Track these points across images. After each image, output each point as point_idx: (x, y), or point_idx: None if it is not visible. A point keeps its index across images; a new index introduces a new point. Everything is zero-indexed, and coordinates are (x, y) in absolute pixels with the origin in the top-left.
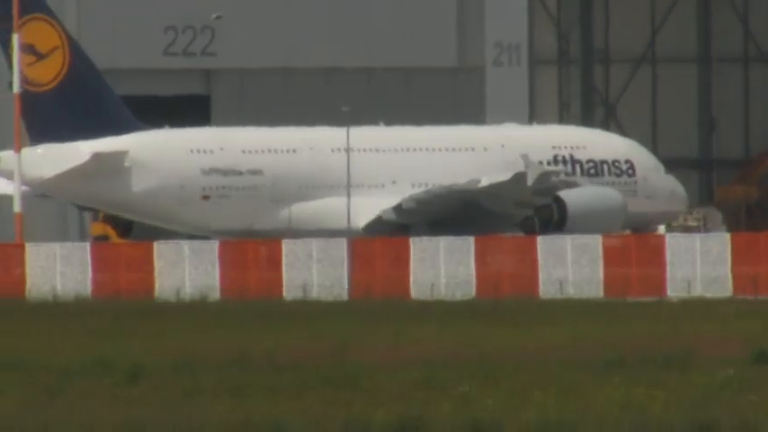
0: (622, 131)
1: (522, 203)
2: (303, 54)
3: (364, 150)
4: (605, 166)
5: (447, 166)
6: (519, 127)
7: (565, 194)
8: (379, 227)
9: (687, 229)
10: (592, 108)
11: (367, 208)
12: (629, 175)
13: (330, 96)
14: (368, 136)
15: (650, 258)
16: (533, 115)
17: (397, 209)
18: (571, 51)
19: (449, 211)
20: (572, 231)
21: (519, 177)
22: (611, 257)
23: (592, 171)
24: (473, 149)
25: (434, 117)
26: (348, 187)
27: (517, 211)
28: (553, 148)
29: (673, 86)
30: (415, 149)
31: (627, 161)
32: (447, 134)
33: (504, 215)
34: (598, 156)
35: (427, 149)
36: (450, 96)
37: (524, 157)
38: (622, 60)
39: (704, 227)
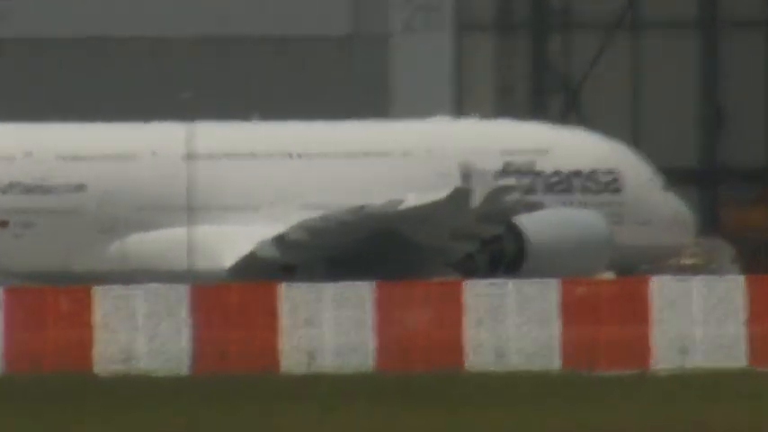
0: (588, 127)
1: (462, 234)
2: (122, 19)
3: (229, 157)
4: (578, 180)
5: (352, 180)
6: (453, 123)
7: (524, 221)
8: (252, 267)
9: (683, 269)
10: (545, 93)
11: (235, 240)
12: (613, 192)
13: (169, 78)
14: (235, 136)
15: (628, 312)
16: (461, 103)
17: (280, 241)
18: (516, 13)
19: (356, 245)
20: (534, 274)
21: (458, 196)
22: (573, 312)
23: (559, 186)
24: (389, 155)
25: (320, 106)
26: (189, 210)
27: (454, 245)
28: (503, 153)
29: (662, 62)
30: (305, 155)
31: (609, 172)
32: (351, 133)
33: (436, 250)
34: (568, 164)
35: (323, 155)
36: (340, 76)
37: (465, 166)
38: (590, 26)
39: (708, 266)
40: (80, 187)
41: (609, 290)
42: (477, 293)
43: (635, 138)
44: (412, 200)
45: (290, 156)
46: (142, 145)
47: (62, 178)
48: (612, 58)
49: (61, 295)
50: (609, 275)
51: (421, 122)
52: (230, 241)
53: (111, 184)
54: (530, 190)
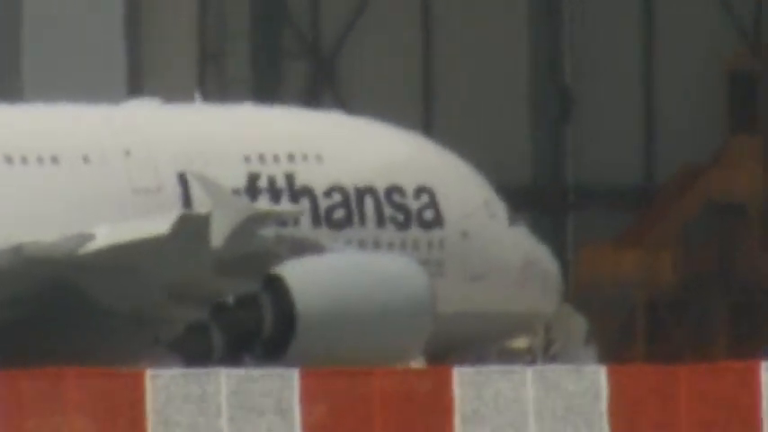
0: (349, 109)
1: (189, 293)
2: None
3: None
4: (372, 204)
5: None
6: (161, 108)
7: (291, 273)
8: None
9: (510, 355)
10: (278, 55)
11: None
12: (429, 226)
13: None
14: None
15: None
16: (139, 74)
17: None
18: None
19: (4, 309)
20: (305, 359)
21: (187, 229)
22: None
23: (339, 213)
24: (58, 160)
25: None
26: None
27: (173, 311)
28: (246, 159)
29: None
30: None
31: (422, 191)
32: None
33: (141, 319)
34: (352, 177)
35: None
36: None
37: (203, 179)
38: None
39: (547, 348)
40: None
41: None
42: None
43: (428, 130)
44: (105, 236)
45: None
46: None
47: None
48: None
49: None
50: (418, 362)
51: (109, 107)
52: None
53: None
54: (293, 220)
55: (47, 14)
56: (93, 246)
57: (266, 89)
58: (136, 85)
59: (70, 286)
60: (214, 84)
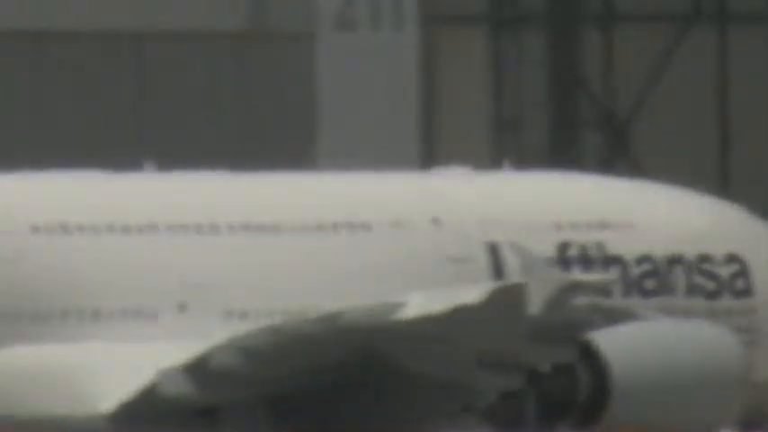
0: (645, 175)
1: (500, 360)
2: None
3: (101, 230)
4: (682, 272)
5: (308, 270)
6: (472, 177)
7: (604, 343)
8: (148, 411)
9: None
10: (575, 124)
11: (119, 369)
12: (740, 294)
13: None
14: (113, 196)
15: None
16: (432, 143)
17: (197, 370)
18: None
19: (316, 378)
20: (616, 427)
21: (505, 298)
22: None
23: (650, 282)
24: (369, 229)
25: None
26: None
27: (483, 380)
28: (557, 227)
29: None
30: (231, 229)
31: (732, 259)
32: (302, 192)
33: (451, 388)
34: (662, 245)
35: (260, 229)
36: (234, 93)
37: (517, 248)
38: (631, 19)
39: None
40: None
41: None
42: None
43: (723, 190)
44: (417, 304)
45: (207, 229)
46: None
47: None
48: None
49: None
50: None
51: (422, 175)
52: (110, 371)
53: None
54: (604, 289)
55: (341, 82)
56: (405, 314)
57: (562, 157)
58: (429, 154)
59: (380, 354)
60: (510, 152)
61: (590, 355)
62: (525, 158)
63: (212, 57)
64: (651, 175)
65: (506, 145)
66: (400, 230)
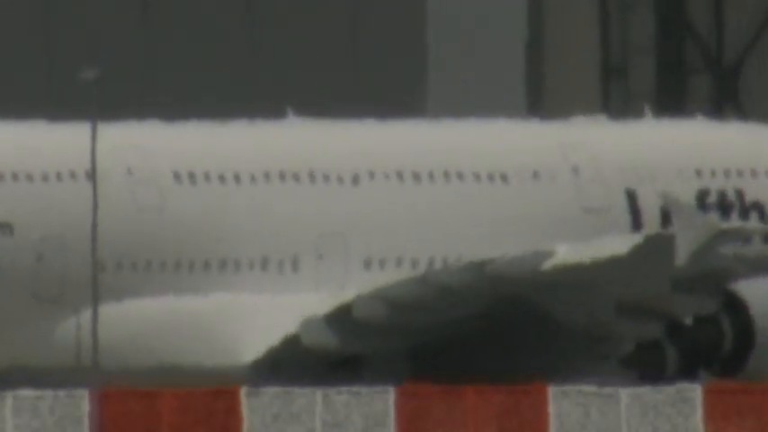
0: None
1: (643, 309)
2: None
3: (242, 179)
4: None
5: (450, 218)
6: (609, 126)
7: (749, 292)
8: (290, 361)
9: None
10: (682, 71)
11: (261, 318)
12: None
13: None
14: (251, 144)
15: None
16: (540, 98)
17: (340, 319)
18: None
19: (461, 325)
20: (758, 375)
21: (654, 248)
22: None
23: None
24: (505, 179)
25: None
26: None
27: (626, 329)
28: (697, 174)
29: None
30: (370, 177)
31: None
32: (438, 141)
33: (594, 335)
34: None
35: (400, 177)
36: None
37: (668, 197)
38: None
39: None
40: (4, 227)
41: None
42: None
43: None
44: (565, 253)
45: (348, 179)
46: (106, 155)
47: None
48: None
49: None
50: None
51: (560, 124)
52: (253, 320)
53: (53, 223)
54: (746, 238)
55: (450, 33)
56: (554, 263)
57: (670, 103)
58: (536, 101)
59: (528, 302)
60: (617, 99)
61: (734, 306)
62: (631, 105)
63: (326, 4)
64: (759, 119)
65: (613, 91)
66: (539, 180)
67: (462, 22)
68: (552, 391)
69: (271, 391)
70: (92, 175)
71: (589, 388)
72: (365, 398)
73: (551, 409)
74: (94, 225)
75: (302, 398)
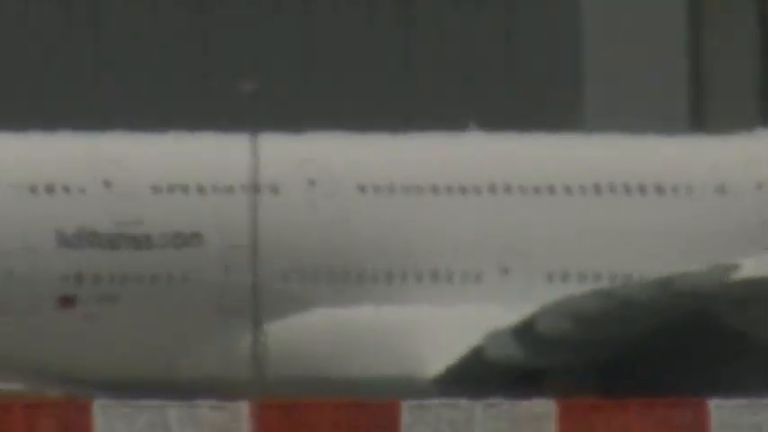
0: None
1: None
2: None
3: (423, 191)
4: None
5: (634, 232)
6: None
7: None
8: (474, 375)
9: None
10: None
11: (446, 331)
12: None
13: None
14: (433, 158)
15: None
16: (701, 99)
17: (524, 333)
18: None
19: (645, 340)
20: None
21: None
22: None
23: None
24: (689, 191)
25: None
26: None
27: None
28: None
29: None
30: (555, 190)
31: None
32: (620, 155)
33: None
34: None
35: (581, 190)
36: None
37: None
38: None
39: None
40: (195, 237)
41: None
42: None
43: None
44: (751, 267)
45: (528, 190)
46: (281, 167)
47: (160, 223)
48: None
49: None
50: None
51: (745, 137)
52: (435, 333)
53: (239, 235)
54: None
55: (606, 38)
56: (741, 276)
57: None
58: (697, 111)
59: (712, 317)
60: None
61: None
62: None
63: (481, 19)
64: None
65: None
66: (724, 195)
67: (619, 28)
68: (713, 403)
69: (435, 404)
70: (253, 188)
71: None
72: (524, 410)
73: (713, 420)
74: (255, 238)
75: (462, 411)
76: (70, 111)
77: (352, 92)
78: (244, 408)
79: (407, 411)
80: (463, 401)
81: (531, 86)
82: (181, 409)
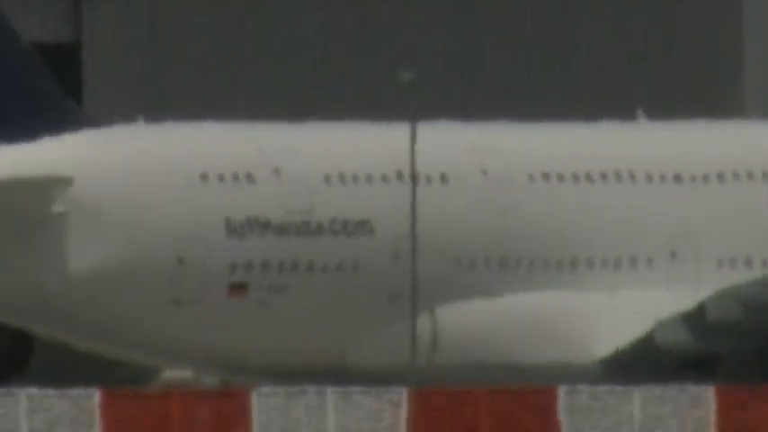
0: None
1: None
2: None
3: (593, 178)
4: None
5: None
6: None
7: None
8: (644, 360)
9: None
10: None
11: (615, 317)
12: None
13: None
14: (602, 145)
15: None
16: None
17: (695, 320)
18: None
19: None
20: None
21: None
22: None
23: None
24: None
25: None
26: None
27: None
28: None
29: None
30: (725, 178)
31: None
32: None
33: None
34: None
35: (749, 176)
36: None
37: None
38: None
39: None
40: (362, 224)
41: None
42: None
43: None
44: None
45: (698, 177)
46: (456, 156)
47: (331, 211)
48: None
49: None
50: None
51: None
52: (604, 318)
53: (403, 223)
54: None
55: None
56: None
57: None
58: None
59: None
60: None
61: None
62: None
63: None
64: None
65: None
66: None
67: None
68: None
69: (591, 389)
70: (411, 177)
71: None
72: (683, 395)
73: None
74: (413, 227)
75: (620, 395)
76: (235, 101)
77: (515, 81)
78: (402, 394)
79: (564, 397)
80: (617, 387)
81: (691, 75)
82: (338, 395)
